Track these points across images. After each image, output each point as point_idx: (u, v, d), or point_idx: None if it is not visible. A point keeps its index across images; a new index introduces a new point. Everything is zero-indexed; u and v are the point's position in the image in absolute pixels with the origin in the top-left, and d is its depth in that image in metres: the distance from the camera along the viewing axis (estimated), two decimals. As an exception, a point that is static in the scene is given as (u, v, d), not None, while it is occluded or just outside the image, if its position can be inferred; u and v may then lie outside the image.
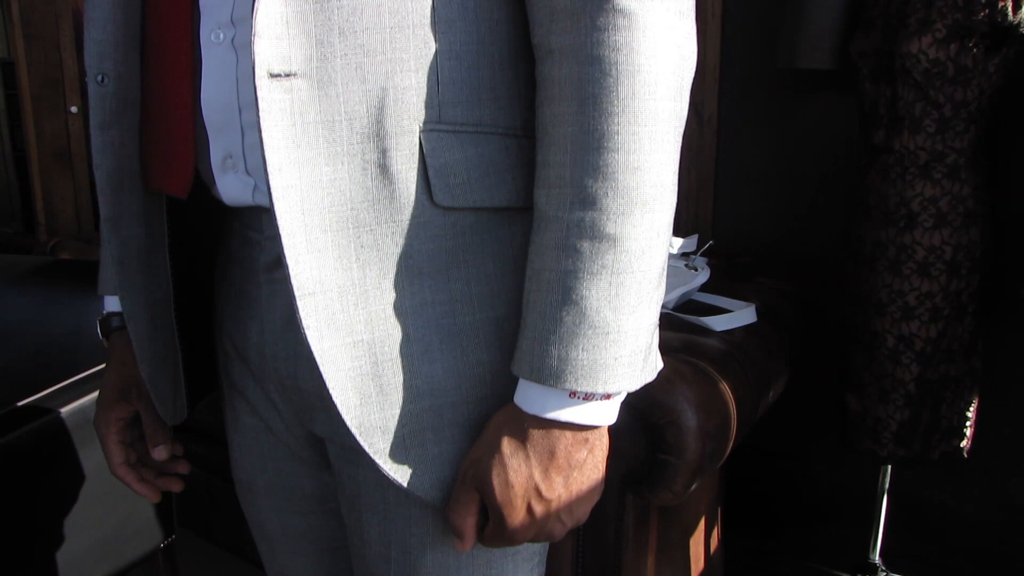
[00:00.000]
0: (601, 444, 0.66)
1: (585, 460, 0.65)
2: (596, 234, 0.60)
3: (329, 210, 0.62)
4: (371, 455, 0.66)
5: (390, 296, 0.65)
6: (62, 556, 1.22)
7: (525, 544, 0.76)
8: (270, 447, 0.83)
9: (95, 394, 1.22)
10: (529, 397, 0.64)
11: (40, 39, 2.60)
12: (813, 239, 1.88)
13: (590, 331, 0.60)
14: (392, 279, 0.65)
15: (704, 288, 1.62)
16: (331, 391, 0.64)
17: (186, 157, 0.70)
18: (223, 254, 0.81)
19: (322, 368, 0.63)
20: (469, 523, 0.67)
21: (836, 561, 1.94)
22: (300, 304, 0.62)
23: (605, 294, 0.61)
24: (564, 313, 0.61)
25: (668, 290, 1.50)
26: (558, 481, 0.64)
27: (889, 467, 1.74)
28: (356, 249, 0.63)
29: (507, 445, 0.64)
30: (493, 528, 0.66)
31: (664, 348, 1.41)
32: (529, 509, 0.65)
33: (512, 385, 0.66)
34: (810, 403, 1.87)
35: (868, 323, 1.58)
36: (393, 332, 0.65)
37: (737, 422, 1.38)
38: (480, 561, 0.74)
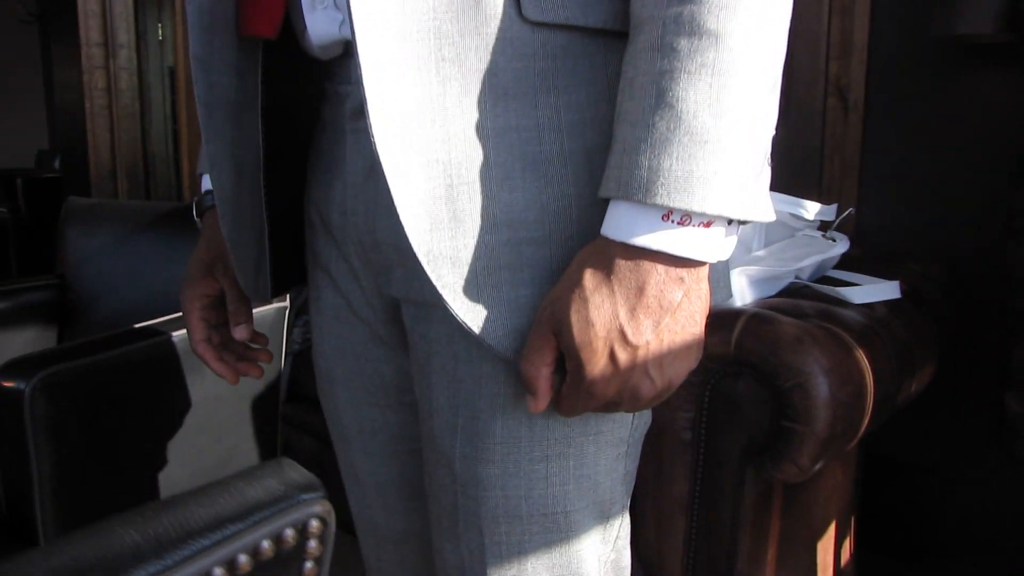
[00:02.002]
0: (699, 290, 0.58)
1: (680, 304, 0.57)
2: (695, 29, 0.54)
3: (409, 17, 0.59)
4: (439, 289, 0.60)
5: (471, 116, 0.60)
6: (163, 479, 1.23)
7: (610, 426, 0.68)
8: (350, 328, 0.80)
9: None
10: (616, 222, 0.57)
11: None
12: (969, 231, 1.71)
13: (686, 137, 0.53)
14: (475, 98, 0.60)
15: (843, 266, 1.49)
16: (399, 212, 0.59)
17: None
18: (317, 126, 0.79)
19: (391, 184, 0.59)
20: (544, 373, 0.60)
21: (990, 595, 1.73)
22: (372, 112, 0.58)
23: (704, 96, 0.53)
24: (657, 118, 0.54)
25: (802, 258, 1.39)
26: (647, 324, 0.57)
27: (1056, 485, 1.54)
28: (437, 62, 0.59)
29: (590, 279, 0.57)
30: (570, 379, 0.59)
31: (796, 314, 1.30)
32: (612, 355, 0.57)
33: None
34: (961, 406, 1.69)
35: (1032, 311, 1.41)
36: (472, 154, 0.60)
37: (874, 396, 1.24)
38: (557, 435, 0.66)
